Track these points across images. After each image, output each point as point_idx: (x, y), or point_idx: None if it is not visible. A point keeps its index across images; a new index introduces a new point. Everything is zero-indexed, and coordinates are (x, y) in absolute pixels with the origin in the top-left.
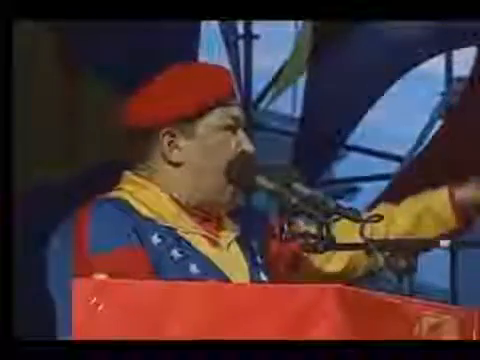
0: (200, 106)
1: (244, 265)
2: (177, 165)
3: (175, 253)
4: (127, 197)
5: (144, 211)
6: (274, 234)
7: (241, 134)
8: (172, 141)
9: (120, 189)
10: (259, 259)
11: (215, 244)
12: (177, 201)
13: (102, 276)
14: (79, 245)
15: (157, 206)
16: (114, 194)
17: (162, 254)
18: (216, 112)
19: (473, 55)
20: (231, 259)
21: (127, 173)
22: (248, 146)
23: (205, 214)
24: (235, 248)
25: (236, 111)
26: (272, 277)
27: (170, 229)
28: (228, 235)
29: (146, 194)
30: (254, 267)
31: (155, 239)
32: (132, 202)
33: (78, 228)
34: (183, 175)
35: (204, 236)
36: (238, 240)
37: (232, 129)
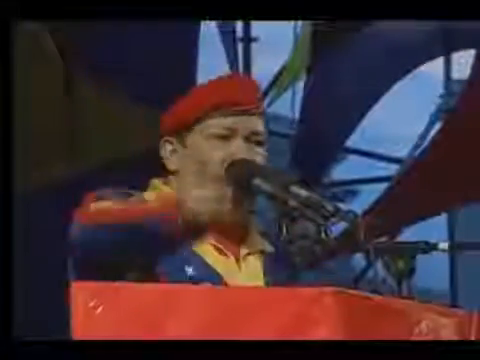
0: (193, 114)
1: (260, 279)
2: (174, 173)
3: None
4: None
5: None
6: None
7: (237, 144)
8: (173, 150)
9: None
10: (279, 276)
11: (223, 253)
12: (188, 208)
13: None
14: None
15: None
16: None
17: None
18: (209, 121)
19: (472, 57)
20: (244, 271)
21: (153, 179)
22: (242, 156)
23: (217, 224)
24: (254, 261)
25: (234, 121)
26: None
27: None
28: (248, 247)
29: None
30: (272, 282)
31: None
32: None
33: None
34: (181, 183)
35: (212, 245)
36: (262, 253)
37: (226, 139)
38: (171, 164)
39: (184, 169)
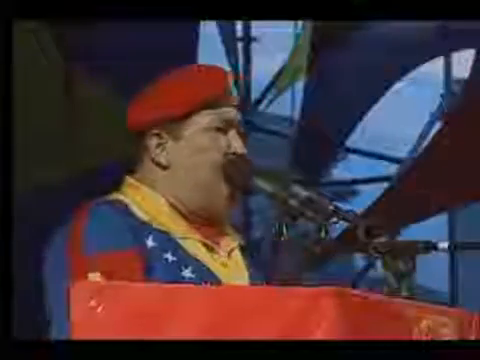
0: (186, 107)
1: (244, 273)
2: (165, 167)
3: (169, 257)
4: (125, 199)
5: (140, 214)
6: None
7: (232, 136)
8: (160, 143)
9: (119, 192)
10: (262, 267)
11: (212, 250)
12: (172, 205)
13: (96, 274)
14: (75, 244)
15: (153, 209)
16: (113, 196)
17: (156, 257)
18: (205, 113)
19: (472, 57)
20: (231, 267)
21: (127, 176)
22: (239, 148)
23: (203, 219)
24: (237, 255)
25: (228, 113)
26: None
27: (165, 233)
28: (230, 242)
29: (143, 197)
30: (256, 275)
31: (149, 242)
32: (130, 204)
33: (75, 227)
34: (172, 177)
35: (201, 241)
36: (241, 248)
37: (222, 131)
38: (162, 158)
39: (177, 163)
